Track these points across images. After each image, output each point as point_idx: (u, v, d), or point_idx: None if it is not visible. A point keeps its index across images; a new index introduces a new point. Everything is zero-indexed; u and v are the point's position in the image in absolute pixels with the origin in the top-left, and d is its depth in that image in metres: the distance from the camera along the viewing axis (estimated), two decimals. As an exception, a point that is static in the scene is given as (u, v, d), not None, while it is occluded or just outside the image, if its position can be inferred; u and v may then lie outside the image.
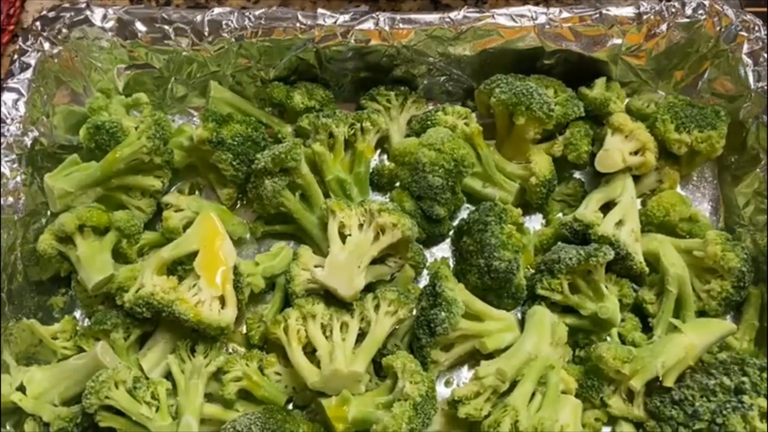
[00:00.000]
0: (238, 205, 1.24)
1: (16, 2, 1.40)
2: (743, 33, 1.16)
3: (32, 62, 1.15)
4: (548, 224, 1.21)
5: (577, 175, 1.25)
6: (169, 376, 1.05)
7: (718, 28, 1.17)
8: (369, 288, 1.08)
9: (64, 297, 1.14)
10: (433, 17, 1.17)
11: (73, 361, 1.03)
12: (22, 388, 1.02)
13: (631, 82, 1.25)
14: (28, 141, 1.11)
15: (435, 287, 1.03)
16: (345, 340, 1.02)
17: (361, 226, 1.09)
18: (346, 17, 1.16)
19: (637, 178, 1.19)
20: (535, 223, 1.22)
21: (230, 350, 1.12)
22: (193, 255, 1.06)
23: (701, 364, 1.04)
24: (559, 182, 1.20)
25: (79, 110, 1.20)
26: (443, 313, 1.00)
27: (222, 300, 1.04)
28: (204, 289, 1.03)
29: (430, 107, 1.29)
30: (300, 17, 1.16)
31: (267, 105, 1.27)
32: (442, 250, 1.20)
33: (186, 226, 1.14)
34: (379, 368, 1.05)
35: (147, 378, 1.03)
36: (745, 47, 1.16)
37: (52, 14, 1.18)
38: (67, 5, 1.19)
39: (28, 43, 1.16)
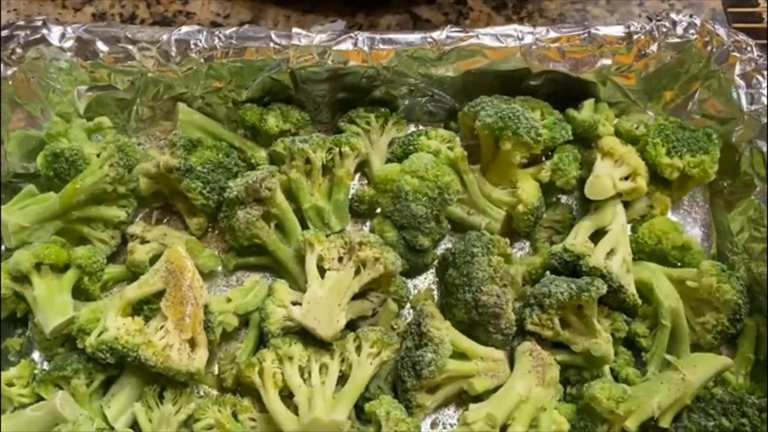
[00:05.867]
0: (209, 235, 1.16)
1: (-31, 16, 1.31)
2: (735, 54, 1.12)
3: (-16, 85, 1.06)
4: (535, 252, 1.15)
5: (564, 199, 1.20)
6: (135, 425, 0.97)
7: (709, 48, 1.13)
8: (350, 324, 1.02)
9: (21, 338, 1.06)
10: (414, 37, 1.11)
11: (30, 412, 0.95)
12: (-27, 442, 0.95)
13: (619, 102, 1.21)
14: (-21, 172, 1.03)
15: (420, 326, 0.97)
16: (324, 384, 0.96)
17: (341, 259, 1.03)
18: (323, 37, 1.10)
19: (626, 204, 1.14)
20: (521, 250, 1.17)
21: (201, 393, 1.04)
22: (160, 293, 0.99)
23: (697, 401, 0.99)
24: (546, 207, 1.15)
25: (36, 135, 1.12)
26: (430, 355, 0.95)
27: (192, 342, 0.97)
28: (172, 331, 0.97)
29: (412, 129, 1.24)
30: (273, 37, 1.10)
31: (239, 127, 1.20)
32: (426, 280, 1.14)
33: (153, 259, 1.07)
34: (360, 411, 0.99)
35: (112, 428, 0.96)
36: (737, 68, 1.12)
37: (5, 33, 1.10)
38: (21, 23, 1.11)
39: (-21, 64, 1.07)
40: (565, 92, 1.18)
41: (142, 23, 1.34)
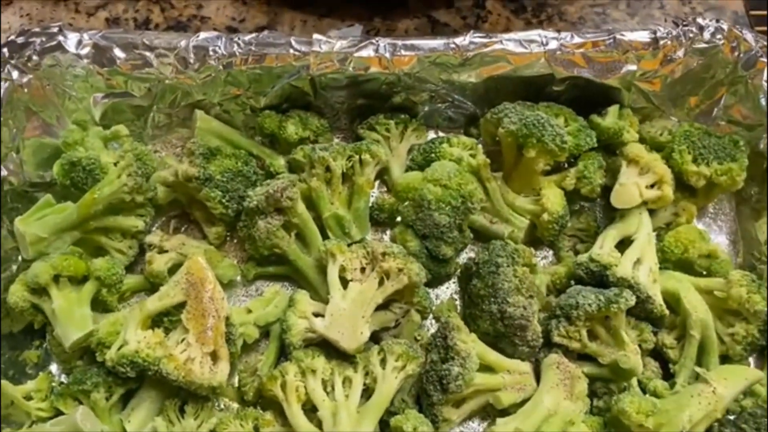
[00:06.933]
0: (227, 244, 1.14)
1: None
2: (763, 59, 1.10)
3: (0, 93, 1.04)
4: (559, 261, 1.13)
5: (587, 206, 1.18)
6: (156, 439, 0.96)
7: (736, 54, 1.11)
8: (372, 336, 1.00)
9: (38, 351, 1.04)
10: (436, 43, 1.09)
11: (50, 428, 0.93)
12: (-8, 458, 0.93)
13: (643, 108, 1.18)
14: (-4, 182, 1.01)
15: (446, 339, 0.95)
16: (349, 398, 0.94)
17: (363, 270, 1.01)
18: (344, 43, 1.08)
19: (651, 212, 1.12)
20: (544, 259, 1.15)
21: (222, 406, 1.03)
22: (181, 305, 0.98)
23: (726, 414, 0.97)
24: (569, 215, 1.13)
25: (52, 143, 1.10)
26: (457, 368, 0.93)
27: (214, 355, 0.96)
28: (193, 344, 0.95)
29: (431, 135, 1.22)
30: (293, 43, 1.07)
31: (257, 135, 1.18)
32: (448, 290, 1.12)
33: (171, 269, 1.06)
34: (384, 425, 0.97)
35: (132, 443, 0.94)
36: (766, 74, 1.09)
37: (21, 40, 1.08)
38: (37, 30, 1.09)
39: (-5, 72, 1.06)
40: (587, 98, 1.16)
41: (156, 28, 1.32)
